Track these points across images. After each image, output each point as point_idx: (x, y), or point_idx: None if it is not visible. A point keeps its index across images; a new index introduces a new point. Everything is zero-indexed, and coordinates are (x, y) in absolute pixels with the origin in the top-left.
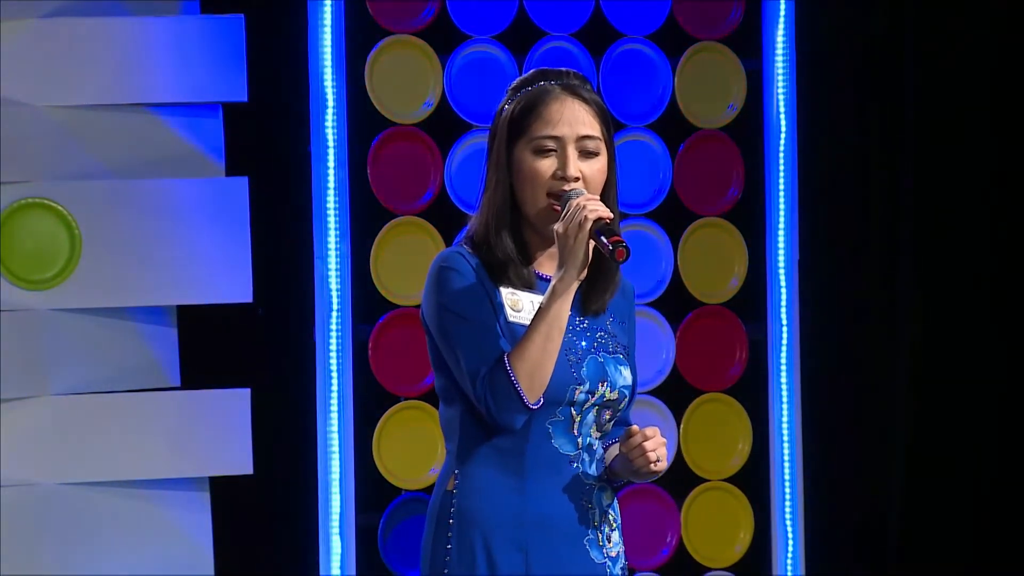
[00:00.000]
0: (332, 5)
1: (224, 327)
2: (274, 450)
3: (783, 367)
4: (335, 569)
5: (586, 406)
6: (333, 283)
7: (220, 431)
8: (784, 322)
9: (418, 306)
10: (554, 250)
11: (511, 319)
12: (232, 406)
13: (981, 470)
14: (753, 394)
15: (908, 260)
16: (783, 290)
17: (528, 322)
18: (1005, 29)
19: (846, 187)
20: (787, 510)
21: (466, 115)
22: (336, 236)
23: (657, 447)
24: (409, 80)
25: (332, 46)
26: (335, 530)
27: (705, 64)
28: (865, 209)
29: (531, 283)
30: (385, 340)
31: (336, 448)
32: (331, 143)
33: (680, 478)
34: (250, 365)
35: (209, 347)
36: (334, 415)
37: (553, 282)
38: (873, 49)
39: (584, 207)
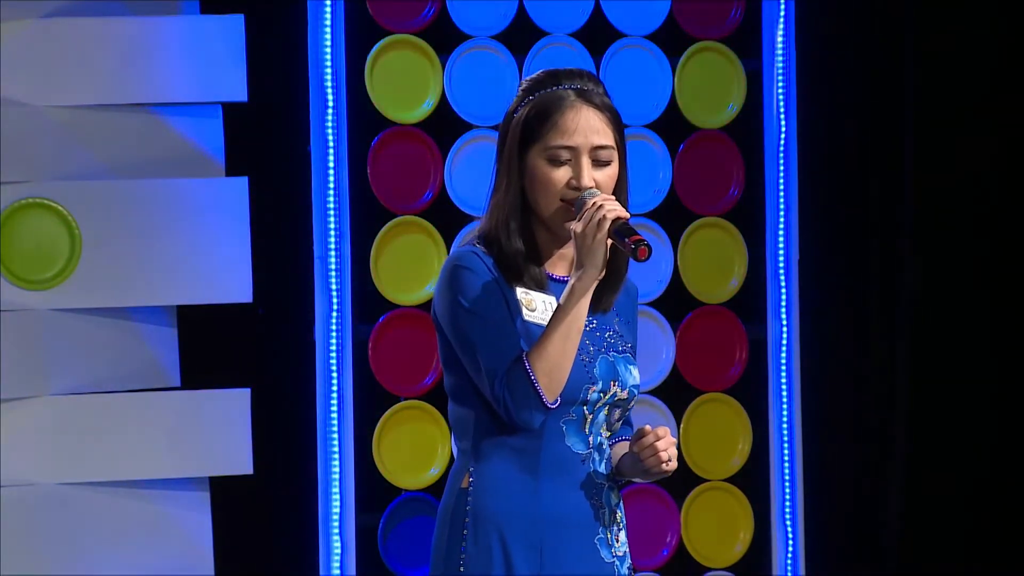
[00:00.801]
0: (332, 5)
1: (224, 327)
2: (274, 450)
3: (783, 367)
4: (335, 569)
5: (598, 405)
6: (333, 283)
7: (220, 431)
8: (784, 322)
9: (418, 306)
10: (565, 251)
11: (526, 318)
12: (232, 406)
13: (980, 470)
14: (753, 394)
15: (908, 259)
16: (783, 290)
17: (542, 322)
18: (1005, 29)
19: (846, 187)
20: (787, 510)
21: (466, 115)
22: (336, 236)
23: (669, 447)
24: (409, 80)
25: (332, 46)
26: (335, 530)
27: (705, 64)
28: (865, 209)
29: (543, 283)
30: (385, 340)
31: (336, 448)
32: (331, 143)
33: (680, 478)
34: (250, 365)
35: (209, 347)
36: (334, 415)
37: (572, 281)
38: (873, 49)
39: (602, 206)
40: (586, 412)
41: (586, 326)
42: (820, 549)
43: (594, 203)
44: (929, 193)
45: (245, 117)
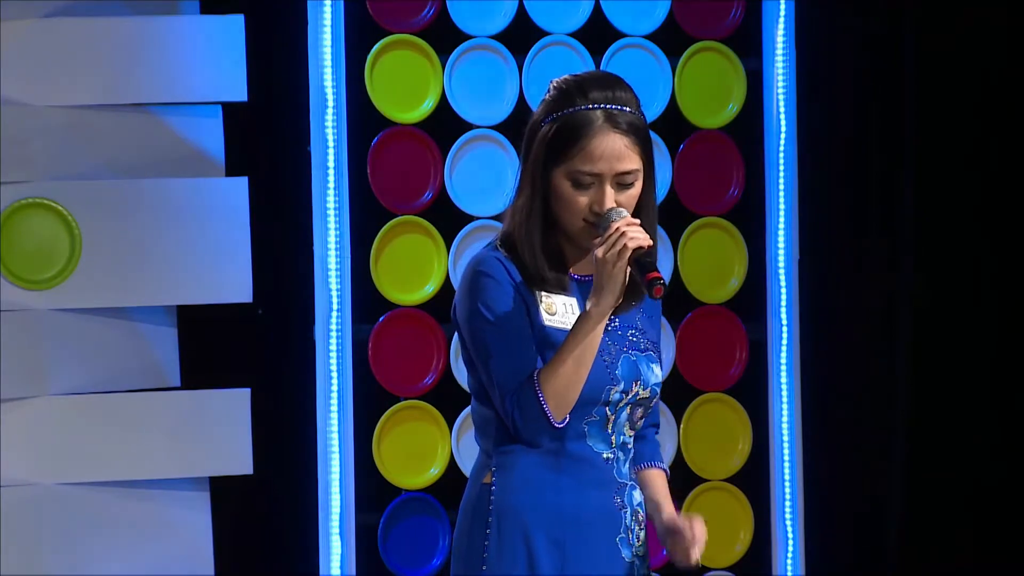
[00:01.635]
0: (332, 5)
1: (224, 327)
2: (274, 450)
3: (783, 367)
4: (335, 569)
5: (620, 405)
6: (333, 283)
7: (220, 431)
8: (784, 322)
9: (418, 306)
10: (588, 251)
11: (546, 323)
12: (232, 406)
13: (981, 470)
14: (753, 394)
15: (908, 260)
16: (783, 290)
17: (562, 325)
18: (1005, 28)
19: (846, 187)
20: (787, 510)
21: (466, 115)
22: (336, 236)
23: (702, 549)
24: (409, 80)
25: (332, 46)
26: (335, 530)
27: (705, 64)
28: (865, 209)
29: (564, 285)
30: (385, 340)
31: (336, 448)
32: (331, 143)
33: (680, 478)
34: (250, 365)
35: (209, 347)
36: (334, 415)
37: (589, 307)
38: (873, 49)
39: (624, 233)
40: (608, 412)
41: (608, 326)
42: (820, 549)
43: (616, 228)
44: (929, 193)
45: (245, 117)
